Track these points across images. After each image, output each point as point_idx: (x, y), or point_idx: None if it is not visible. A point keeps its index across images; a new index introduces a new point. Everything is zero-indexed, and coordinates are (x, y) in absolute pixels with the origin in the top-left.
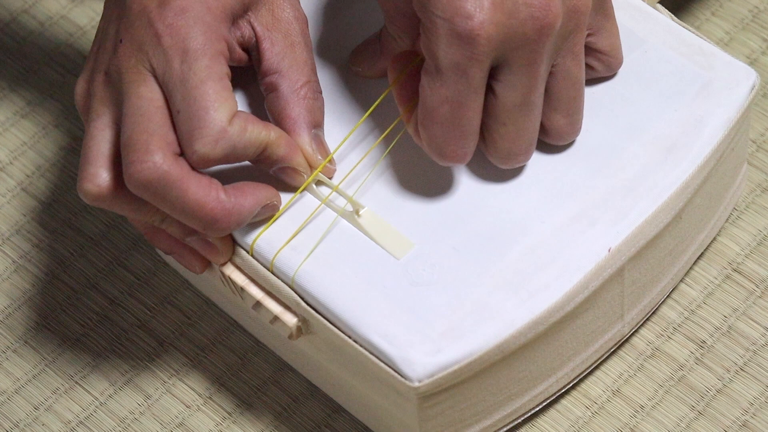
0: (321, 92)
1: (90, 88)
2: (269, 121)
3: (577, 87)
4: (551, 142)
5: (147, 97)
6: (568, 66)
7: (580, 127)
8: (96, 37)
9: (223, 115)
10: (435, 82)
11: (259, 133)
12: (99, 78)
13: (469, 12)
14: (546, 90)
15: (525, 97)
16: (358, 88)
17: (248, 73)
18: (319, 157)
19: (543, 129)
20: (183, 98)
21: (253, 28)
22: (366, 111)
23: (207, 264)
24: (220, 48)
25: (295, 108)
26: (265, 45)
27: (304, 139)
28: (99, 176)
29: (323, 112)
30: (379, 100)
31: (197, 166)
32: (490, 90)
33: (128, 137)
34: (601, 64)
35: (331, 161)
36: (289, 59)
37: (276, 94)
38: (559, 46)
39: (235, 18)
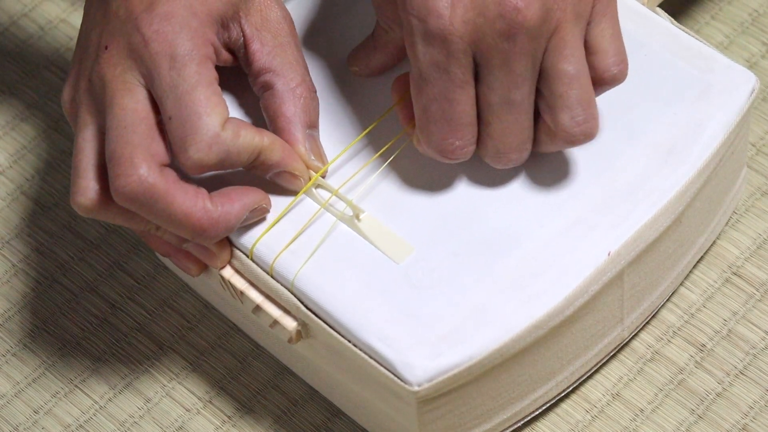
0: (316, 92)
1: (75, 95)
2: (261, 125)
3: (566, 81)
4: (565, 145)
5: (131, 108)
6: (553, 63)
7: (594, 126)
8: (79, 41)
9: (216, 120)
10: (421, 83)
11: (252, 138)
12: (83, 85)
13: (440, 11)
14: (543, 93)
15: (505, 96)
16: (358, 92)
17: (236, 78)
18: (312, 158)
19: (551, 133)
20: (174, 104)
21: (242, 30)
22: (366, 115)
23: (204, 267)
24: (207, 52)
25: (291, 107)
26: (255, 46)
27: (298, 139)
28: (90, 189)
29: (318, 113)
30: (380, 119)
31: (192, 172)
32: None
33: (113, 150)
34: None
35: (323, 161)
36: (281, 58)
37: (271, 93)
38: (544, 45)
39: (224, 20)
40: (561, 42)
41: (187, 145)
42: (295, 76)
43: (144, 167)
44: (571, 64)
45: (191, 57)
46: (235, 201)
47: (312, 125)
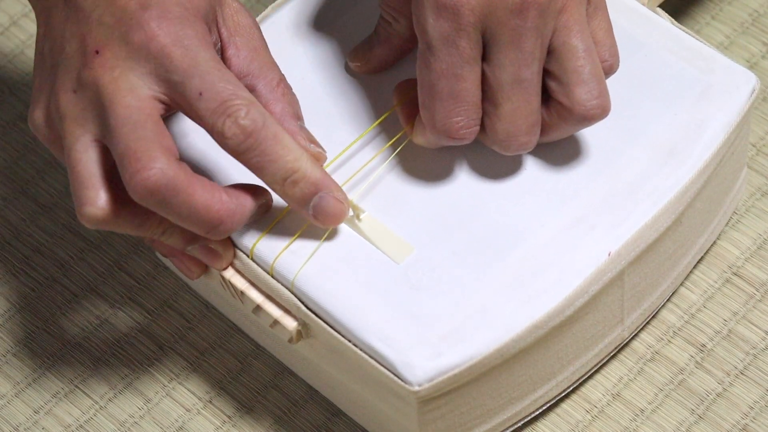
0: (292, 89)
1: (53, 113)
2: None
3: (578, 56)
4: (580, 123)
5: (135, 106)
6: (564, 40)
7: (608, 102)
8: (43, 61)
9: (248, 93)
10: (429, 58)
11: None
12: (66, 98)
13: None
14: (553, 72)
15: (515, 75)
16: (358, 92)
17: None
18: (311, 146)
19: (568, 111)
20: (202, 81)
21: (219, 34)
22: (366, 115)
23: (204, 269)
24: (211, 42)
25: (279, 104)
26: (231, 51)
27: (295, 131)
28: (99, 198)
29: (300, 107)
30: (381, 119)
31: (236, 139)
32: (483, 74)
33: (126, 147)
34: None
35: (321, 146)
36: (258, 62)
37: (254, 95)
38: (552, 25)
39: (208, 22)
40: (570, 20)
41: (230, 109)
42: (274, 76)
43: (163, 160)
44: (582, 41)
45: (200, 44)
46: (246, 194)
47: (300, 117)
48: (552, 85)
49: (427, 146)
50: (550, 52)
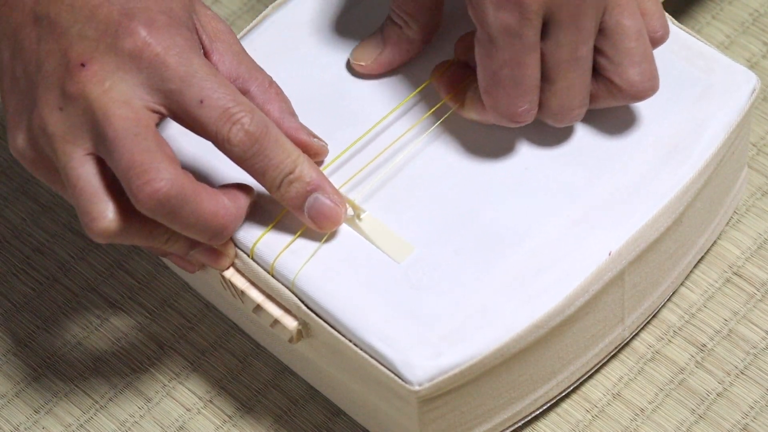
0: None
1: (37, 134)
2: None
3: (632, 36)
4: (630, 101)
5: (131, 117)
6: (616, 20)
7: (658, 81)
8: (16, 84)
9: (245, 98)
10: (491, 48)
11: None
12: (52, 117)
13: None
14: (604, 51)
15: (573, 53)
16: (360, 92)
17: None
18: (314, 140)
19: (618, 89)
20: (200, 89)
21: (201, 41)
22: (368, 113)
23: (203, 264)
24: (199, 48)
25: (275, 104)
26: (215, 57)
27: (297, 128)
28: (109, 211)
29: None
30: (382, 119)
31: (241, 146)
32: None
33: (130, 160)
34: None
35: (321, 140)
36: (244, 65)
37: (249, 97)
38: (604, 2)
39: (190, 30)
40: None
41: (235, 116)
42: (264, 77)
43: (171, 170)
44: (634, 21)
45: (192, 51)
46: (241, 196)
47: (295, 114)
48: (603, 62)
49: (481, 122)
50: (602, 30)
